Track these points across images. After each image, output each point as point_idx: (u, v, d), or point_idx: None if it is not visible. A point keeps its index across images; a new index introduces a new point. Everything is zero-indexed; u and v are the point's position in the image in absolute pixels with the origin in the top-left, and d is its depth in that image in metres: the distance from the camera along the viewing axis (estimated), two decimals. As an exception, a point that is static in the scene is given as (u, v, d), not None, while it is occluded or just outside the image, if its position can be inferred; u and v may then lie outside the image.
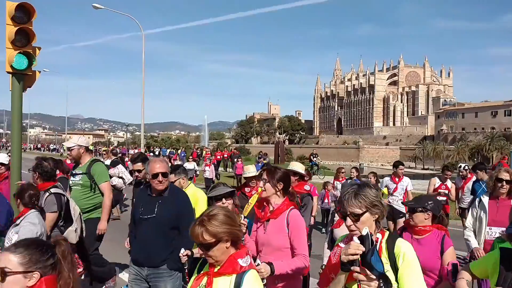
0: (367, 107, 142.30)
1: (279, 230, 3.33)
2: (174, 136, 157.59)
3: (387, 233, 2.32)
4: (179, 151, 41.12)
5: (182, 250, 3.66)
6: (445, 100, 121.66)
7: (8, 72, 5.59)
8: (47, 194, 4.68)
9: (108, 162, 13.18)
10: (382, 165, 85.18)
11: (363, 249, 2.07)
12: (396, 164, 9.35)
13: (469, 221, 4.96)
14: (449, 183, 9.01)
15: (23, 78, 5.73)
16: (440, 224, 3.68)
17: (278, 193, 3.45)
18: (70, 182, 5.80)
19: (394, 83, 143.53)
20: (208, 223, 2.28)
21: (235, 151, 35.78)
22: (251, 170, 6.07)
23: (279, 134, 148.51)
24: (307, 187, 5.80)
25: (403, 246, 2.23)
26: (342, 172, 11.20)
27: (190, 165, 20.29)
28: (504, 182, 4.43)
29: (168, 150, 44.12)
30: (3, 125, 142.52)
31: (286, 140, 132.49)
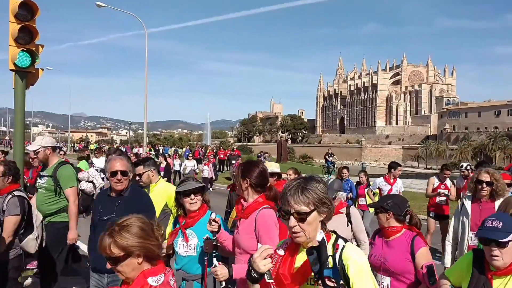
0: (370, 106, 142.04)
1: (248, 230, 3.08)
2: (176, 134, 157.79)
3: (333, 236, 2.02)
4: (183, 149, 40.81)
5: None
6: (448, 99, 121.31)
7: (11, 70, 5.60)
8: (10, 196, 4.36)
9: (99, 161, 12.88)
10: (384, 164, 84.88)
11: (270, 252, 1.89)
12: (394, 166, 8.97)
13: (451, 228, 4.67)
14: (448, 182, 8.67)
15: (26, 75, 5.74)
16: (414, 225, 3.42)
17: (252, 190, 3.18)
18: (37, 184, 5.46)
19: (397, 82, 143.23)
20: (118, 235, 2.01)
21: (231, 152, 34.69)
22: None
23: (282, 133, 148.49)
24: None
25: (351, 252, 1.94)
26: (344, 171, 10.55)
27: (189, 163, 20.24)
28: (484, 184, 4.15)
29: (173, 149, 43.58)
30: (6, 123, 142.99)
31: (289, 139, 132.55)
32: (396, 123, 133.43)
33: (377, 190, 9.08)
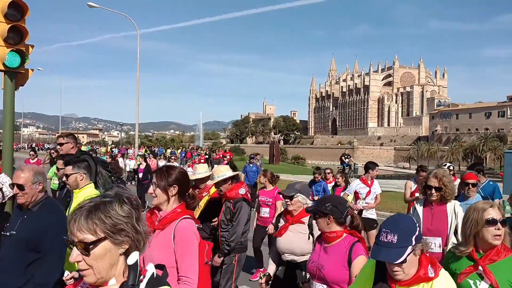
0: (362, 107, 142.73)
1: (164, 244, 2.70)
2: (168, 135, 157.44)
3: (149, 272, 1.53)
4: (178, 151, 40.35)
5: (66, 273, 3.13)
6: (439, 101, 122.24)
7: (0, 70, 5.52)
8: None
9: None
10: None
11: None
12: (371, 166, 8.17)
13: None
14: None
15: (16, 76, 5.66)
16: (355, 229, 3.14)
17: (173, 198, 2.85)
18: None
19: (389, 83, 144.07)
20: None
21: (213, 153, 32.01)
22: (200, 171, 5.54)
23: (274, 134, 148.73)
24: (242, 191, 5.06)
25: None
26: (318, 173, 9.88)
27: (173, 164, 19.83)
28: (433, 189, 3.92)
29: (169, 150, 42.73)
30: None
31: (281, 140, 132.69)
32: (388, 125, 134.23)
33: (350, 196, 8.48)
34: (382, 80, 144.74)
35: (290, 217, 4.00)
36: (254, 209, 9.16)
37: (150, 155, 24.03)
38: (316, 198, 9.17)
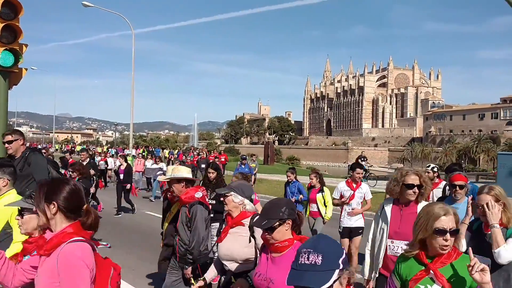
0: (356, 108, 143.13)
1: (50, 273, 2.27)
2: (163, 136, 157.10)
3: None
4: (175, 151, 39.82)
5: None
6: (433, 102, 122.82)
7: (-6, 69, 5.49)
8: None
9: None
10: (370, 166, 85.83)
11: None
12: (353, 167, 7.59)
13: (370, 235, 4.09)
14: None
15: (9, 75, 5.63)
16: (296, 229, 2.80)
17: (61, 216, 2.35)
18: None
19: (383, 85, 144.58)
20: None
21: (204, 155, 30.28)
22: (177, 173, 4.94)
23: (269, 134, 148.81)
24: (198, 194, 4.68)
25: None
26: (288, 174, 9.34)
27: (159, 166, 18.42)
28: (416, 187, 3.64)
29: (167, 151, 41.65)
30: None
31: (276, 141, 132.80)
32: (382, 126, 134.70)
33: (325, 199, 8.06)
34: (377, 81, 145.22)
35: (230, 219, 3.68)
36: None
37: (139, 155, 23.52)
38: (292, 200, 8.71)
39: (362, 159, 24.03)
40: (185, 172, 4.82)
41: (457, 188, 4.83)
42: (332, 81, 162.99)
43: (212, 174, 7.26)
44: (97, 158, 22.24)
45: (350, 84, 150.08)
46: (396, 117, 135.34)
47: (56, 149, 62.25)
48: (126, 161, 14.32)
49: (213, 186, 7.09)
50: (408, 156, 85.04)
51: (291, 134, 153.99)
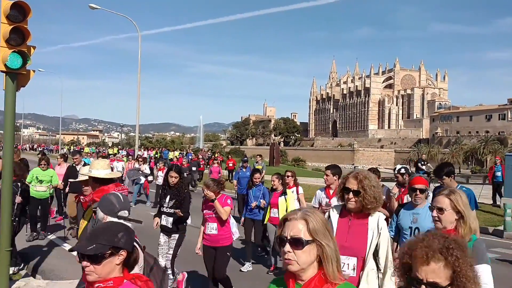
0: (363, 109, 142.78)
1: None
2: (169, 137, 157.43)
3: None
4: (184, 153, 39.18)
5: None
6: (440, 103, 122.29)
7: (2, 71, 5.52)
8: None
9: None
10: (376, 167, 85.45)
11: None
12: (328, 167, 6.47)
13: None
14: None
15: (17, 77, 5.66)
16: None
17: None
18: None
19: (390, 86, 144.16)
20: None
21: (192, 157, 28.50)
22: (96, 169, 4.22)
23: (274, 136, 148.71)
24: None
25: None
26: (255, 176, 8.45)
27: (142, 167, 17.16)
28: (351, 193, 3.01)
29: (177, 153, 40.77)
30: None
31: (281, 142, 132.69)
32: (389, 127, 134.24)
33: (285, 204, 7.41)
34: (383, 82, 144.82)
35: None
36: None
37: (130, 157, 22.81)
38: (253, 205, 8.00)
39: (422, 162, 21.31)
40: (103, 167, 4.10)
41: (418, 192, 4.42)
42: (338, 82, 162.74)
43: (174, 179, 6.19)
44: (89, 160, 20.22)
45: (356, 85, 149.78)
46: (402, 118, 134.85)
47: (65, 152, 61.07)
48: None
49: (173, 192, 6.19)
50: (415, 158, 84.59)
51: (297, 135, 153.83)
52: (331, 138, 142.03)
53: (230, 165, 25.31)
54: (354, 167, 62.67)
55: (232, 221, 5.96)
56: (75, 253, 2.07)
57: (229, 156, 27.52)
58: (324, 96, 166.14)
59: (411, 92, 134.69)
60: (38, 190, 9.58)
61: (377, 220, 3.04)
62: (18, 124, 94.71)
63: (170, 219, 6.17)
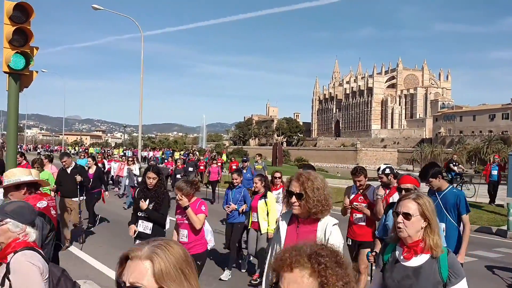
0: (365, 109, 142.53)
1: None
2: (171, 137, 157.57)
3: None
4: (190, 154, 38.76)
5: None
6: (443, 103, 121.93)
7: (5, 72, 5.54)
8: None
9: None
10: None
11: None
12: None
13: (268, 259, 3.10)
14: (370, 192, 6.06)
15: (20, 78, 5.68)
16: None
17: None
18: None
19: (393, 85, 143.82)
20: None
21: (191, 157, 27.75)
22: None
23: (277, 136, 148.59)
24: (41, 204, 3.82)
25: None
26: (234, 177, 7.80)
27: (132, 167, 15.78)
28: (294, 196, 2.73)
29: (179, 153, 40.24)
30: (0, 125, 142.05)
31: (284, 142, 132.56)
32: (391, 127, 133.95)
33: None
34: (386, 82, 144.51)
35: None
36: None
37: (124, 157, 22.22)
38: (229, 207, 7.41)
39: (454, 163, 19.90)
40: (21, 175, 3.87)
41: (403, 192, 4.11)
42: (340, 82, 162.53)
43: (152, 180, 5.62)
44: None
45: (359, 85, 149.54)
46: (405, 118, 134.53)
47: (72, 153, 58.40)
48: (96, 164, 12.05)
49: (152, 195, 5.61)
50: (418, 157, 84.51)
51: (300, 135, 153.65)
52: (334, 138, 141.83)
53: (234, 167, 24.55)
54: (378, 167, 62.53)
55: (207, 228, 5.46)
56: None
57: (232, 158, 26.38)
58: (327, 96, 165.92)
59: (414, 92, 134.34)
60: None
61: (325, 226, 2.75)
62: (21, 125, 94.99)
63: (150, 225, 5.52)
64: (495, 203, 16.10)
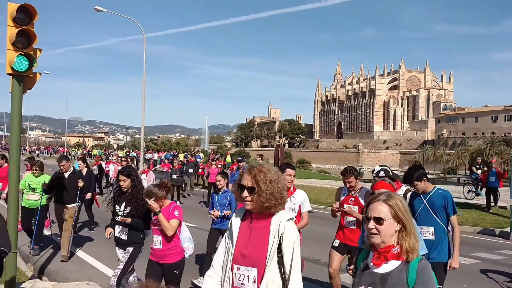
0: (368, 111, 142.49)
1: None
2: (174, 139, 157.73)
3: None
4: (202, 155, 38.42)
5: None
6: (445, 104, 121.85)
7: (9, 74, 5.55)
8: None
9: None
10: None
11: None
12: (282, 167, 5.68)
13: (216, 259, 2.77)
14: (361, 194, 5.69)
15: (23, 79, 5.69)
16: None
17: None
18: None
19: (395, 87, 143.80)
20: None
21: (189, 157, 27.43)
22: None
23: (279, 137, 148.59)
24: None
25: None
26: (218, 179, 7.20)
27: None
28: (245, 190, 2.55)
29: (182, 154, 39.93)
30: (2, 127, 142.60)
31: (286, 144, 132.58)
32: (394, 128, 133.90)
33: None
34: (388, 83, 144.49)
35: None
36: None
37: (119, 158, 21.88)
38: (214, 215, 6.95)
39: (477, 166, 18.39)
40: None
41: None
42: (343, 83, 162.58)
43: (123, 182, 5.31)
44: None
45: (361, 87, 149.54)
46: (407, 120, 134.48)
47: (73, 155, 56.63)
48: (87, 166, 11.46)
49: (128, 198, 5.30)
50: (420, 159, 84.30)
51: (302, 137, 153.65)
52: (336, 139, 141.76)
53: (235, 169, 24.17)
54: (360, 168, 62.44)
55: (186, 234, 5.08)
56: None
57: (235, 160, 25.88)
58: (329, 98, 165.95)
59: (416, 93, 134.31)
60: (30, 199, 8.40)
61: (279, 222, 2.55)
62: (24, 127, 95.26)
63: (126, 230, 5.28)
64: (498, 205, 16.03)
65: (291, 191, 5.52)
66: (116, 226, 5.35)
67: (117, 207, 5.39)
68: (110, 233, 5.35)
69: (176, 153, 41.19)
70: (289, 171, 5.51)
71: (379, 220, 2.22)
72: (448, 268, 4.68)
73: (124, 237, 5.27)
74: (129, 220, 5.16)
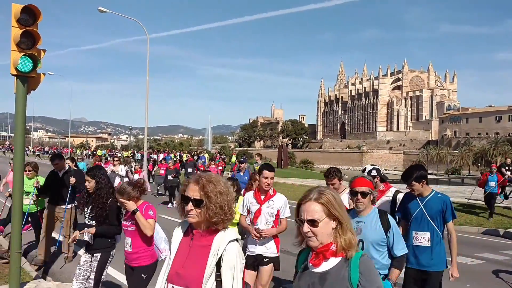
0: (371, 111, 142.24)
1: None
2: (177, 139, 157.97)
3: None
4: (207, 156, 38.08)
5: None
6: (449, 105, 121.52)
7: (13, 75, 5.57)
8: None
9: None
10: (385, 169, 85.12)
11: None
12: (260, 168, 5.16)
13: (161, 275, 2.42)
14: (345, 196, 5.19)
15: (28, 80, 5.71)
16: None
17: None
18: None
19: (398, 87, 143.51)
20: None
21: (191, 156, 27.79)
22: None
23: (282, 138, 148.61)
24: None
25: None
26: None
27: (120, 169, 14.45)
28: (190, 203, 2.24)
29: (184, 155, 39.34)
30: (7, 127, 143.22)
31: (289, 144, 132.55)
32: (397, 128, 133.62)
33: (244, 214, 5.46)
34: (391, 84, 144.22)
35: None
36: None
37: (107, 157, 21.76)
38: None
39: (506, 167, 17.14)
40: None
41: (359, 196, 3.64)
42: (346, 84, 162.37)
43: (88, 183, 5.07)
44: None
45: (365, 87, 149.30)
46: (411, 120, 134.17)
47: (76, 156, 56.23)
48: (76, 166, 10.32)
49: (93, 200, 5.05)
50: (424, 159, 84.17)
51: (305, 137, 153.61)
52: (340, 140, 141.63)
53: (220, 167, 23.80)
54: (363, 169, 62.33)
55: (161, 235, 4.83)
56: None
57: (236, 161, 25.31)
58: (332, 98, 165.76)
59: (419, 94, 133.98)
60: (23, 203, 7.46)
61: (221, 241, 2.26)
62: (28, 127, 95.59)
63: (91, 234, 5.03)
64: (502, 205, 15.94)
65: (270, 194, 5.10)
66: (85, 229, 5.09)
67: (85, 209, 5.16)
68: (75, 236, 5.05)
69: (181, 154, 41.05)
70: (266, 173, 4.99)
71: (313, 223, 2.07)
72: (449, 278, 4.47)
73: (91, 241, 4.98)
74: (92, 231, 4.91)
